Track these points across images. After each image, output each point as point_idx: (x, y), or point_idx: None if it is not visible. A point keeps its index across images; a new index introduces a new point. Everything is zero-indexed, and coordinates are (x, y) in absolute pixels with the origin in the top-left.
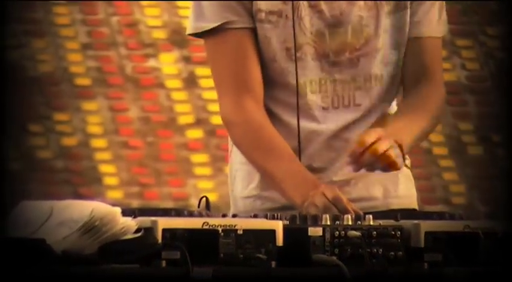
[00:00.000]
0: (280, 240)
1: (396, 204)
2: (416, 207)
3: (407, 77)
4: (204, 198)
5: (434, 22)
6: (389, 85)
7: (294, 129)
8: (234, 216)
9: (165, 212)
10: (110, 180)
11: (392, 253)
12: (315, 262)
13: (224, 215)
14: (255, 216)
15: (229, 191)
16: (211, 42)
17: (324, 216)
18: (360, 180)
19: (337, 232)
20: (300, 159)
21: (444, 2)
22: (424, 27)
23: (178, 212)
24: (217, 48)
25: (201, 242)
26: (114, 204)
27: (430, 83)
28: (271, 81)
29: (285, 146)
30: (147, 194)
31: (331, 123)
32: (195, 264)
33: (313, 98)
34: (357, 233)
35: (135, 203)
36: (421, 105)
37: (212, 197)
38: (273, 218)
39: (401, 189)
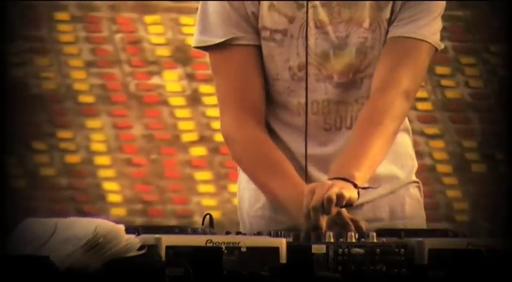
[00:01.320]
0: (283, 257)
1: (402, 225)
2: (424, 227)
3: (372, 84)
4: (208, 216)
5: (413, 24)
6: None
7: (294, 150)
8: (238, 233)
9: (169, 230)
10: (113, 198)
11: (396, 270)
12: (318, 279)
13: (228, 233)
14: (259, 233)
15: (237, 209)
16: (215, 57)
17: (327, 233)
18: (366, 202)
19: (341, 249)
20: (306, 180)
21: (439, 11)
22: (400, 28)
23: (181, 230)
24: (221, 64)
25: (205, 259)
26: (117, 222)
27: (390, 92)
28: (273, 99)
29: (287, 164)
30: (151, 211)
31: (332, 145)
32: (199, 281)
33: (316, 119)
34: (361, 251)
35: (139, 221)
36: (372, 121)
37: (216, 215)
38: (277, 235)
39: (408, 210)
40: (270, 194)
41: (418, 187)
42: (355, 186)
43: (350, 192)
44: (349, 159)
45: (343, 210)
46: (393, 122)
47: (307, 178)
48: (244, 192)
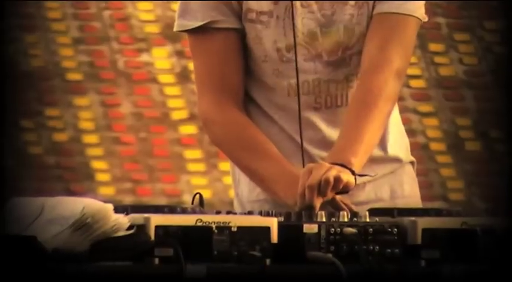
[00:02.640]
0: (274, 237)
1: (402, 204)
2: (420, 206)
3: (362, 63)
4: (198, 195)
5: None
6: None
7: (288, 130)
8: (228, 213)
9: (158, 209)
10: (101, 177)
11: (389, 250)
12: (310, 259)
13: (218, 212)
14: (250, 213)
15: (234, 194)
16: (195, 40)
17: (319, 213)
18: (367, 183)
19: (333, 229)
20: (303, 160)
21: None
22: (385, 3)
23: (171, 209)
24: (200, 47)
25: (195, 239)
26: (106, 201)
27: (382, 72)
28: (262, 81)
29: (270, 145)
30: (140, 190)
31: (324, 123)
32: (189, 262)
33: (306, 99)
34: (353, 230)
35: (128, 200)
36: (367, 103)
37: (206, 194)
38: (268, 214)
39: (407, 190)
40: (254, 176)
41: (413, 165)
42: (353, 172)
43: (347, 177)
44: (346, 144)
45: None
46: (387, 103)
47: (307, 157)
48: (242, 177)
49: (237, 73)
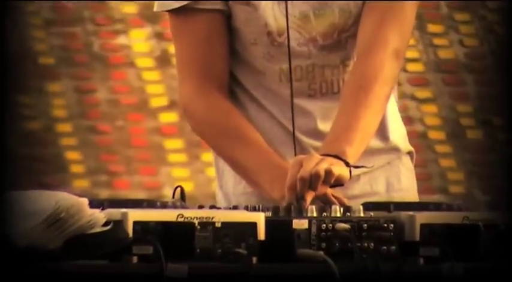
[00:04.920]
0: (261, 233)
1: (399, 198)
2: (417, 200)
3: (357, 45)
4: (179, 188)
5: None
6: None
7: (279, 118)
8: (212, 207)
9: (136, 203)
10: (76, 168)
11: (385, 247)
12: (299, 257)
13: (201, 206)
14: (235, 207)
15: (217, 187)
16: (176, 21)
17: (309, 207)
18: (362, 175)
19: (324, 225)
20: (295, 149)
21: None
22: None
23: (150, 203)
24: (182, 29)
25: (176, 235)
26: (80, 195)
27: (378, 53)
28: (252, 65)
29: (256, 134)
30: (117, 183)
31: (318, 111)
32: (169, 260)
33: (299, 86)
34: (346, 226)
35: (104, 193)
36: (361, 87)
37: (188, 187)
38: (254, 209)
39: (404, 182)
40: (238, 167)
41: (411, 155)
42: (347, 164)
43: (340, 170)
44: (340, 133)
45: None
46: (384, 86)
47: (298, 146)
48: (226, 168)
49: (222, 57)
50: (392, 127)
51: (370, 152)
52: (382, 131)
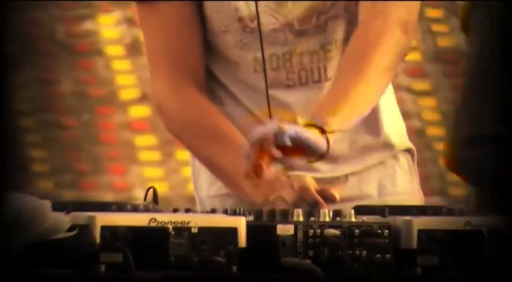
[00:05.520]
0: (242, 240)
1: (394, 202)
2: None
3: (359, 15)
4: (152, 189)
5: None
6: None
7: (256, 112)
8: (188, 211)
9: (104, 206)
10: (38, 167)
11: (379, 256)
12: (284, 266)
13: (175, 210)
14: (213, 211)
15: (193, 190)
16: (144, 10)
17: (295, 211)
18: (351, 173)
19: (312, 230)
20: None
21: None
22: None
23: (120, 206)
24: (151, 18)
25: (148, 242)
26: (43, 196)
27: (381, 21)
28: (224, 55)
29: (236, 134)
30: (83, 183)
31: (298, 103)
32: (140, 269)
33: (276, 76)
34: (336, 232)
35: (69, 195)
36: (357, 54)
37: (161, 188)
38: (235, 213)
39: (400, 185)
40: (217, 169)
41: (411, 154)
42: (322, 131)
43: (295, 129)
44: (325, 103)
45: (310, 184)
46: (384, 55)
47: None
48: (202, 169)
49: (196, 48)
50: (386, 120)
51: (360, 149)
52: (373, 124)
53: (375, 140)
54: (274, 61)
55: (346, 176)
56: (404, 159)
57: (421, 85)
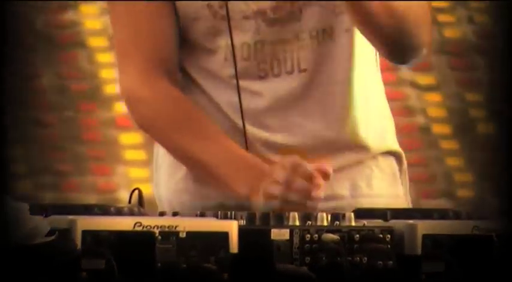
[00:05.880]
0: (234, 245)
1: (367, 204)
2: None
3: None
4: (137, 191)
5: None
6: (344, 41)
7: (222, 104)
8: (175, 214)
9: (86, 209)
10: (16, 167)
11: (381, 262)
12: (279, 274)
13: (162, 213)
14: (202, 215)
15: (154, 187)
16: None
17: (291, 214)
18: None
19: (309, 235)
20: (246, 141)
21: None
22: None
23: (103, 209)
24: (120, 8)
25: (133, 247)
26: (21, 199)
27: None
28: (194, 43)
29: (212, 125)
30: (64, 184)
31: (269, 95)
32: (125, 276)
33: (247, 66)
34: (335, 237)
35: (49, 197)
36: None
37: (147, 189)
38: (226, 217)
39: (377, 187)
40: (194, 162)
41: (397, 157)
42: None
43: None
44: None
45: (302, 160)
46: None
47: (243, 138)
48: (163, 165)
49: (169, 37)
50: (361, 121)
51: (327, 148)
52: (346, 123)
53: (346, 140)
54: (245, 50)
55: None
56: (385, 162)
57: (425, 79)
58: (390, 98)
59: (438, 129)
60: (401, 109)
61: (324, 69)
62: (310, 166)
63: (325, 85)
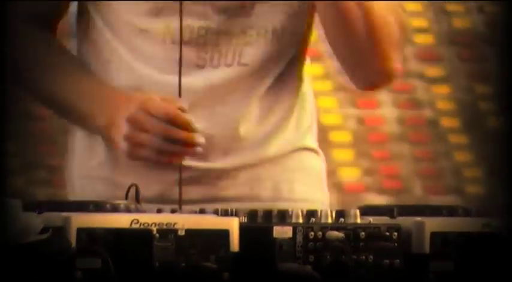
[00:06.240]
0: (235, 243)
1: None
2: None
3: None
4: (134, 187)
5: None
6: (289, 42)
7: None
8: (174, 211)
9: (81, 206)
10: (7, 162)
11: (387, 261)
12: (282, 273)
13: (160, 210)
14: (202, 211)
15: (65, 170)
16: None
17: (294, 212)
18: (242, 171)
19: (313, 233)
20: None
21: None
22: None
23: (98, 206)
24: None
25: (130, 246)
26: (13, 195)
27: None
28: (133, 22)
29: (79, 64)
30: (57, 180)
31: (205, 83)
32: (121, 276)
33: (186, 51)
34: (339, 234)
35: (41, 193)
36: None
37: None
38: (226, 213)
39: (299, 191)
40: (61, 103)
41: (319, 155)
42: None
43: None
44: None
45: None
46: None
47: None
48: (77, 145)
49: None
50: (290, 117)
51: (251, 143)
52: (269, 120)
53: (261, 135)
54: (186, 33)
55: (236, 170)
56: (309, 162)
57: (434, 71)
58: (397, 90)
59: (447, 122)
60: (408, 101)
61: (265, 67)
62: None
63: (262, 82)
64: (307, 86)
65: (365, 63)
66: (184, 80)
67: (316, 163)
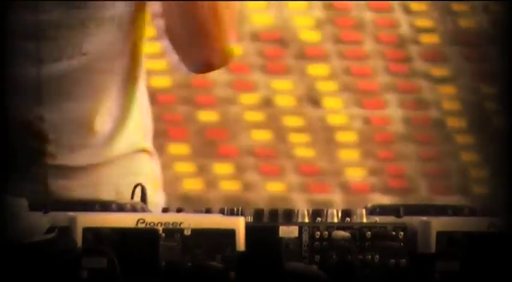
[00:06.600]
0: (241, 243)
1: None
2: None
3: None
4: (139, 186)
5: None
6: (128, 32)
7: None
8: (180, 211)
9: (87, 205)
10: None
11: (393, 260)
12: (288, 272)
13: (165, 210)
14: (208, 211)
15: None
16: None
17: (301, 211)
18: (92, 172)
19: (319, 232)
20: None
21: None
22: None
23: (104, 205)
24: None
25: (136, 245)
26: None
27: None
28: None
29: None
30: None
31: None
32: (127, 275)
33: (24, 46)
34: (345, 234)
35: None
36: None
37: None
38: (232, 213)
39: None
40: None
41: (154, 158)
42: None
43: None
44: None
45: None
46: None
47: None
48: None
49: None
50: (126, 114)
51: (90, 140)
52: (108, 117)
53: (99, 132)
54: (29, 29)
55: (85, 171)
56: (146, 166)
57: (439, 71)
58: (403, 90)
59: (453, 122)
60: (414, 101)
61: (105, 58)
62: None
63: (99, 72)
64: (144, 83)
65: (198, 44)
66: (27, 74)
67: (156, 166)
